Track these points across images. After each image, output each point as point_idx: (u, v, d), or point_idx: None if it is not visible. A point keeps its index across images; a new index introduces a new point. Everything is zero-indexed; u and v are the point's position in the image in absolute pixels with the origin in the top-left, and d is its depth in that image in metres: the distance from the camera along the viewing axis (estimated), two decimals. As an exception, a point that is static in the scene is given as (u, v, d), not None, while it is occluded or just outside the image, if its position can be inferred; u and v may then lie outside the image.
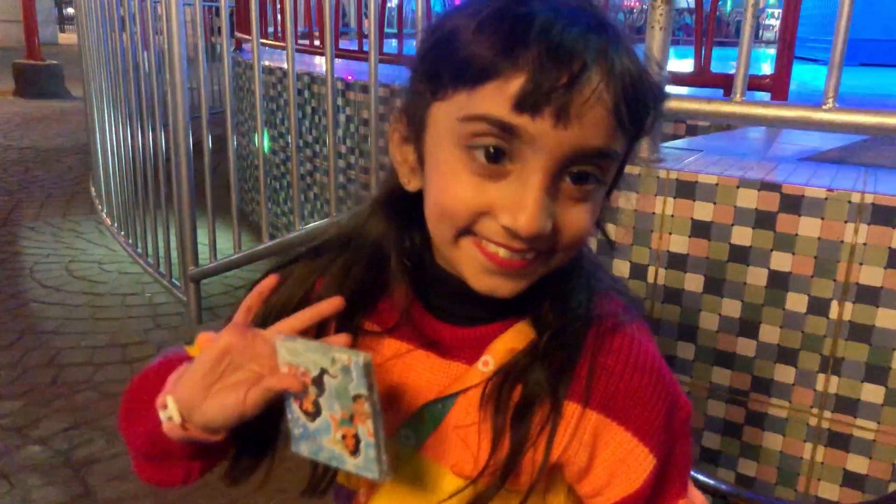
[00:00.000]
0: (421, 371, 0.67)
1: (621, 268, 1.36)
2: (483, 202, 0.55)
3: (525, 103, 0.52)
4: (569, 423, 0.63)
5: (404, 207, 0.65)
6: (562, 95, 0.51)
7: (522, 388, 0.63)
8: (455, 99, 0.55)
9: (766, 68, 2.00)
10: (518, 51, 0.51)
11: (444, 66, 0.56)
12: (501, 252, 0.56)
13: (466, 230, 0.57)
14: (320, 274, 0.70)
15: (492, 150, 0.54)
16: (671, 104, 1.34)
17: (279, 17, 4.12)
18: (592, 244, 0.75)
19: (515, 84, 0.52)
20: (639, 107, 0.55)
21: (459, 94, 0.54)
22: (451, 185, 0.56)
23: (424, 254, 0.66)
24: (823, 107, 1.24)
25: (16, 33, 11.75)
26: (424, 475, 0.68)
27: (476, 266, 0.58)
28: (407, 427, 0.68)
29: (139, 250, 3.20)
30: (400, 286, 0.66)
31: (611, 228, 0.76)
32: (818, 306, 1.22)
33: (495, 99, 0.52)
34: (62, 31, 20.28)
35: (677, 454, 0.67)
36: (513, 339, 0.65)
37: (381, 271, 0.67)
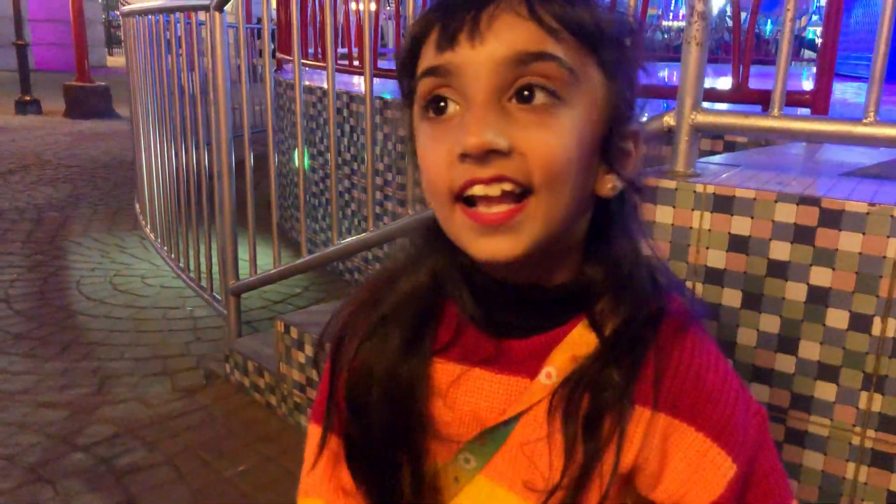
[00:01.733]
0: (480, 391, 0.65)
1: (658, 282, 1.35)
2: (446, 150, 0.57)
3: (443, 40, 0.56)
4: (637, 428, 0.61)
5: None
6: (471, 19, 0.55)
7: (590, 397, 0.60)
8: (416, 93, 0.60)
9: (809, 84, 1.98)
10: (433, 16, 0.58)
11: (403, 75, 0.62)
12: (481, 208, 0.56)
13: (453, 197, 0.57)
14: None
15: (433, 98, 0.58)
16: (708, 119, 1.34)
17: (318, 38, 4.21)
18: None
19: (434, 34, 0.57)
20: (564, 6, 0.55)
21: (416, 85, 0.60)
22: (425, 157, 0.60)
23: (470, 268, 0.65)
24: (864, 121, 1.23)
25: (66, 57, 12.16)
26: (487, 499, 0.65)
27: (469, 233, 0.58)
28: (467, 450, 0.66)
29: (181, 265, 3.27)
30: (456, 303, 0.66)
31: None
32: (860, 322, 1.20)
33: (426, 57, 0.58)
34: (110, 54, 20.91)
35: (762, 463, 0.64)
36: (573, 345, 0.63)
37: (436, 295, 0.67)
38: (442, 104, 0.57)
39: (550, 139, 0.55)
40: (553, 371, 0.62)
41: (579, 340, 0.62)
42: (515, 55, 0.54)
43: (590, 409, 0.60)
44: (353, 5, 4.22)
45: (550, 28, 0.55)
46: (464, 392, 0.65)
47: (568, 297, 0.63)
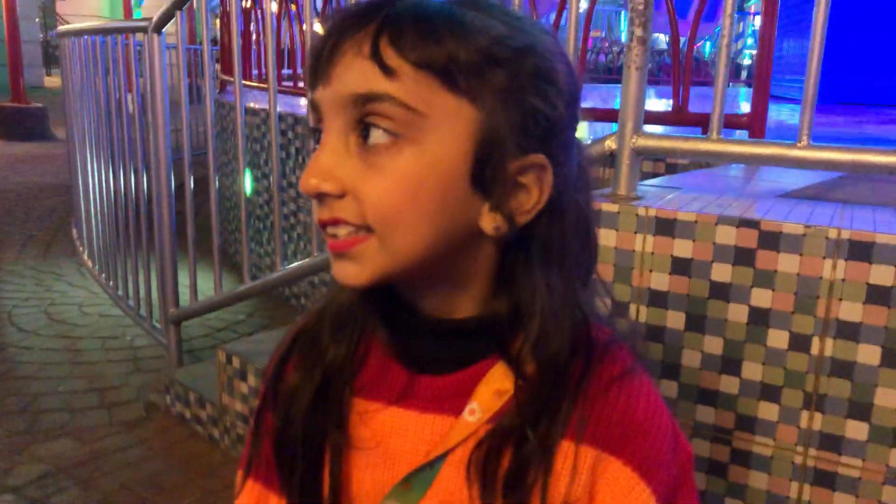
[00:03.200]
0: (403, 432, 0.63)
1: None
2: None
3: (309, 77, 0.57)
4: (563, 466, 0.58)
5: None
6: (325, 58, 0.55)
7: (512, 448, 0.58)
8: None
9: (746, 107, 2.03)
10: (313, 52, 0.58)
11: None
12: (331, 236, 0.58)
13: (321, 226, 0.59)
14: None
15: (315, 131, 0.59)
16: (649, 142, 1.36)
17: (263, 59, 4.16)
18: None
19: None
20: (413, 41, 0.53)
21: None
22: None
23: (382, 295, 0.64)
24: (798, 144, 1.26)
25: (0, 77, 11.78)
26: None
27: (331, 256, 0.59)
28: (392, 497, 0.62)
29: (120, 293, 3.16)
30: (374, 340, 0.65)
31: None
32: (799, 342, 1.21)
33: None
34: (48, 74, 20.35)
35: (680, 501, 0.62)
36: (498, 378, 0.60)
37: (353, 333, 0.65)
38: (313, 132, 0.59)
39: (380, 182, 0.54)
40: (476, 407, 0.60)
41: (507, 374, 0.60)
42: (351, 96, 0.54)
43: (510, 467, 0.58)
44: (297, 26, 4.19)
45: (387, 67, 0.53)
46: (388, 432, 0.63)
47: (477, 331, 0.61)
